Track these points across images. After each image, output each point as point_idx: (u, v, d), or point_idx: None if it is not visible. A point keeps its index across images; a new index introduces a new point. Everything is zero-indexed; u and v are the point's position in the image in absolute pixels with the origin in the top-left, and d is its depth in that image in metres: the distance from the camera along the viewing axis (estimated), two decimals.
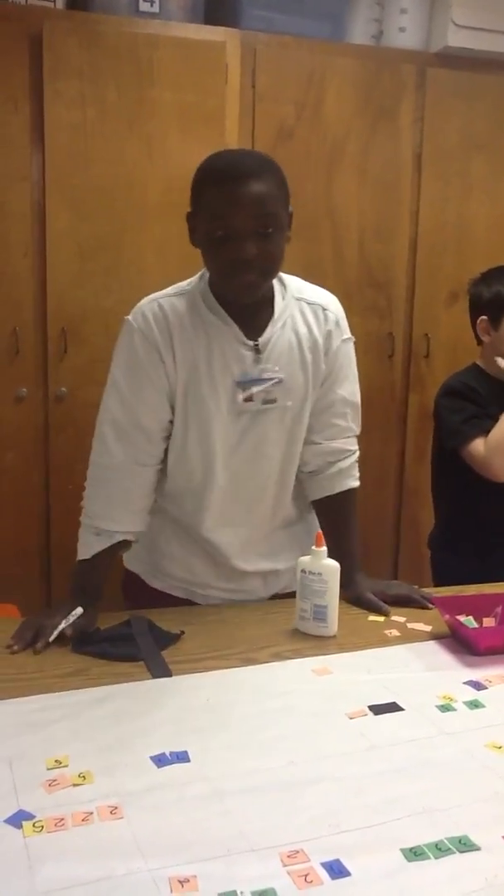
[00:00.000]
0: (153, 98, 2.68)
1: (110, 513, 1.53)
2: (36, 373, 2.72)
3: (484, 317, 2.10)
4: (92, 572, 1.54)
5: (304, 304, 1.58)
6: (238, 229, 1.37)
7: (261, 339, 1.52)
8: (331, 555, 1.51)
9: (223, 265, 1.42)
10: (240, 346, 1.51)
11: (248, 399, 1.51)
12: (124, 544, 1.57)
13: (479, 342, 2.16)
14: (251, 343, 1.51)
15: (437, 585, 1.97)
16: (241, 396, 1.51)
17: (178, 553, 1.65)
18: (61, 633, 1.42)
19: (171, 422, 1.54)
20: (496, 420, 1.98)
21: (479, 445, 1.98)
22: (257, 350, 1.51)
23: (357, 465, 1.69)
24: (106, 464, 1.53)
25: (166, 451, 1.57)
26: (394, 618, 1.58)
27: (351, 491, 1.68)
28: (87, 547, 1.54)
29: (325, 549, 1.50)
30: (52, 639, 1.41)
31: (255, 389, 1.51)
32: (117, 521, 1.54)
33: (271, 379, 1.52)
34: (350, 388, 1.64)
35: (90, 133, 2.64)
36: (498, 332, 2.08)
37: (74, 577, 1.55)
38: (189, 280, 1.56)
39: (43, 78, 2.57)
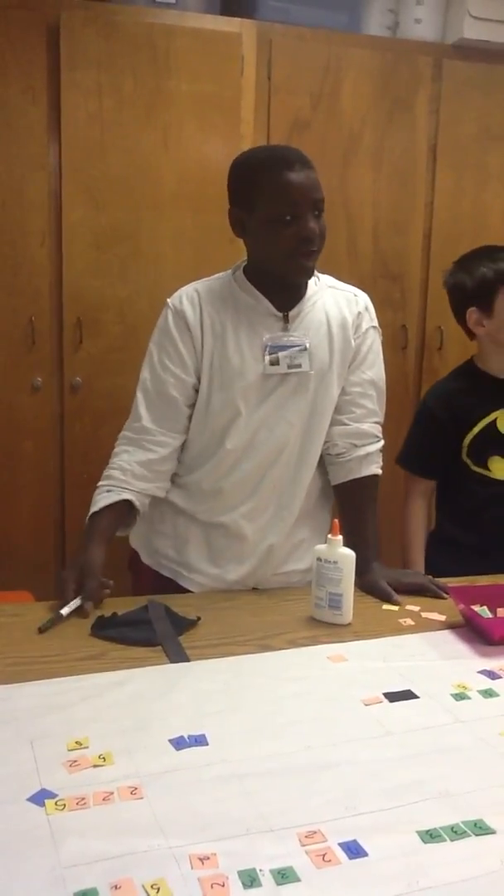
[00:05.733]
0: (169, 89, 2.68)
1: (131, 467, 1.62)
2: (52, 362, 2.73)
3: (473, 307, 1.91)
4: (99, 524, 1.58)
5: (337, 292, 1.68)
6: (305, 209, 1.50)
7: (290, 312, 1.61)
8: (348, 541, 1.53)
9: (290, 245, 1.51)
10: (268, 316, 1.60)
11: (274, 363, 1.58)
12: (132, 515, 1.63)
13: (472, 337, 1.97)
14: (280, 314, 1.60)
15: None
16: (267, 359, 1.58)
17: (169, 531, 1.71)
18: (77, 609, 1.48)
19: (197, 391, 1.63)
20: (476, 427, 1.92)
21: (411, 480, 2.03)
22: (286, 319, 1.60)
23: (381, 453, 1.72)
24: (135, 426, 1.65)
25: (189, 418, 1.65)
26: (408, 607, 1.59)
27: (373, 477, 1.72)
28: (95, 504, 1.61)
29: (340, 537, 1.51)
30: (58, 619, 1.45)
31: (280, 354, 1.59)
32: (135, 476, 1.61)
33: (297, 345, 1.60)
34: (377, 373, 1.72)
35: (107, 123, 2.65)
36: (493, 318, 1.88)
37: (84, 533, 1.60)
38: (226, 271, 1.67)
39: (60, 68, 2.58)
